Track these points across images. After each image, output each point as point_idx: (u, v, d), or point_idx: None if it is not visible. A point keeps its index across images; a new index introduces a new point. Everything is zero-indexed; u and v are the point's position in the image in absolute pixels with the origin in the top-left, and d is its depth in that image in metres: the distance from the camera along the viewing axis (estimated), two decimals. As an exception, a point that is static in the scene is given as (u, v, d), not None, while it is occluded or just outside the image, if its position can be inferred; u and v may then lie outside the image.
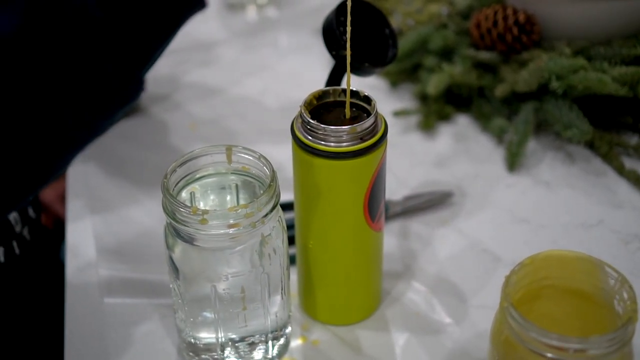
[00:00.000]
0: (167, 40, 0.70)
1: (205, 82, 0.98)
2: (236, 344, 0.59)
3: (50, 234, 0.89)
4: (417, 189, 0.78)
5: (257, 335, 0.59)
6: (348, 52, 0.55)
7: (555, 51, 0.82)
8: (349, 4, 0.53)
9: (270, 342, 0.60)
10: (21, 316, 0.78)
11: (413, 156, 0.83)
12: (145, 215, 0.76)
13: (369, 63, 0.61)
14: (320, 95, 0.58)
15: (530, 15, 0.86)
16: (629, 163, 0.79)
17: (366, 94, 0.57)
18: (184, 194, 0.56)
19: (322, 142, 0.54)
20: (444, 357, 0.61)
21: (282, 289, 0.58)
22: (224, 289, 0.55)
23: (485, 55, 0.87)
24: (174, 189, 0.55)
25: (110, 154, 0.85)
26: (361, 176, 0.56)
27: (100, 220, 0.76)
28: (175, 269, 0.56)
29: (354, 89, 0.56)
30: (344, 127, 0.54)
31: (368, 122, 0.54)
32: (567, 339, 0.47)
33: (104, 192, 0.80)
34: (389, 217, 0.74)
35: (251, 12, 1.14)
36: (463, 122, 0.88)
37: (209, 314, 0.57)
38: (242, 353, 0.59)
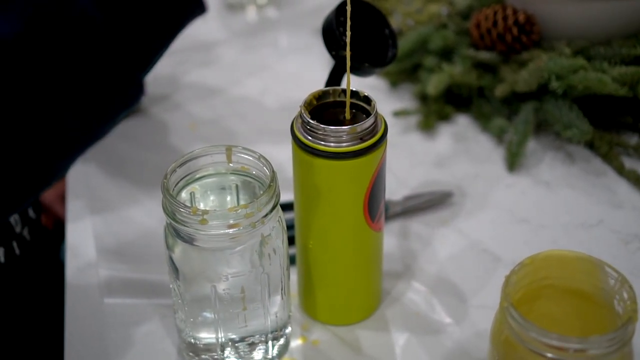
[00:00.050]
0: (167, 44, 0.70)
1: (205, 82, 0.98)
2: (236, 344, 0.59)
3: (50, 234, 0.89)
4: (417, 189, 0.78)
5: (257, 336, 0.59)
6: (348, 52, 0.55)
7: (555, 51, 0.82)
8: (348, 4, 0.53)
9: (270, 342, 0.60)
10: (21, 316, 0.78)
11: (413, 156, 0.83)
12: (145, 216, 0.76)
13: (369, 63, 0.61)
14: (320, 96, 0.58)
15: (530, 15, 0.85)
16: (629, 163, 0.79)
17: (366, 94, 0.56)
18: (184, 194, 0.56)
19: (322, 143, 0.54)
20: (444, 357, 0.61)
21: (282, 289, 0.58)
22: (224, 289, 0.55)
23: (485, 55, 0.87)
24: (174, 189, 0.55)
25: (110, 154, 0.85)
26: (361, 176, 0.56)
27: (100, 220, 0.76)
28: (175, 269, 0.56)
29: (354, 89, 0.56)
30: (344, 127, 0.54)
31: (368, 122, 0.54)
32: (567, 339, 0.47)
33: (104, 193, 0.80)
34: (389, 217, 0.74)
35: (251, 12, 1.14)
36: (463, 122, 0.88)
37: (209, 314, 0.57)
38: (242, 353, 0.59)
